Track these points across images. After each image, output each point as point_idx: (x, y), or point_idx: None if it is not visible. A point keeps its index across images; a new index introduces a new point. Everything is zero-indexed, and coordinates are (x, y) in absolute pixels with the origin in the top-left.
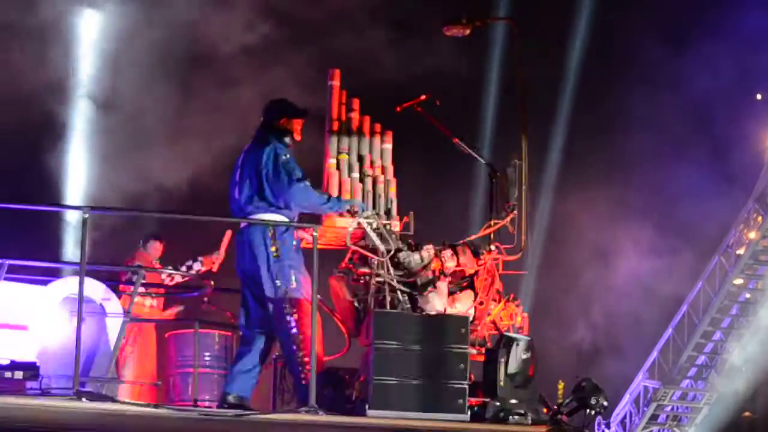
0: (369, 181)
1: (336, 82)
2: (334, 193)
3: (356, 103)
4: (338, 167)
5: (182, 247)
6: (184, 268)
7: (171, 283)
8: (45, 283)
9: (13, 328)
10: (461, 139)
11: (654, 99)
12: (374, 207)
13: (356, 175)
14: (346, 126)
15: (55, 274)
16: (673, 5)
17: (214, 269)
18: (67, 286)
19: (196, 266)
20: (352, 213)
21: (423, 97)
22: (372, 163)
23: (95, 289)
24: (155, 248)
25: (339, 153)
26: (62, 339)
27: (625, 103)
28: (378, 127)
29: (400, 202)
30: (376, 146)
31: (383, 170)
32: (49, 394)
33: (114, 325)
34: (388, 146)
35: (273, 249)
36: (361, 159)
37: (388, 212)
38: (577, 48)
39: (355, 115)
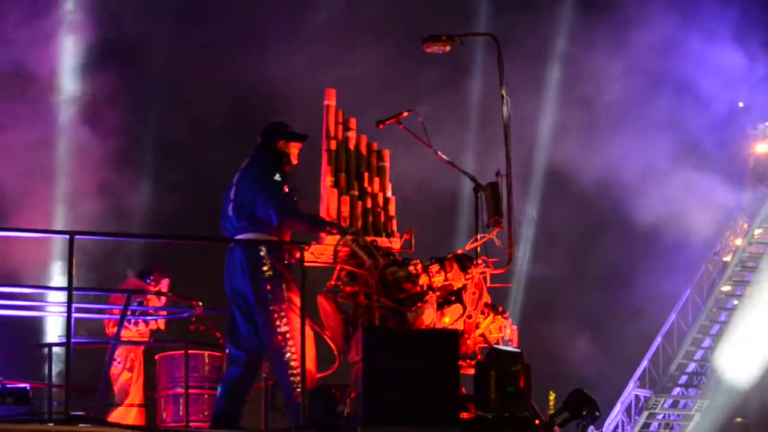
0: (368, 199)
1: (332, 102)
2: (332, 210)
3: (353, 123)
4: (336, 186)
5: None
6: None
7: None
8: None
9: None
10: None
11: None
12: (374, 225)
13: (355, 193)
14: (344, 145)
15: (43, 298)
16: None
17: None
18: None
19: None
20: (338, 231)
21: (405, 113)
22: (370, 181)
23: None
24: (165, 284)
25: (337, 172)
26: None
27: None
28: (375, 145)
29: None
30: (373, 165)
31: (381, 188)
32: (41, 419)
33: None
34: (386, 164)
35: (265, 267)
36: (359, 177)
37: (387, 230)
38: None
39: (352, 134)
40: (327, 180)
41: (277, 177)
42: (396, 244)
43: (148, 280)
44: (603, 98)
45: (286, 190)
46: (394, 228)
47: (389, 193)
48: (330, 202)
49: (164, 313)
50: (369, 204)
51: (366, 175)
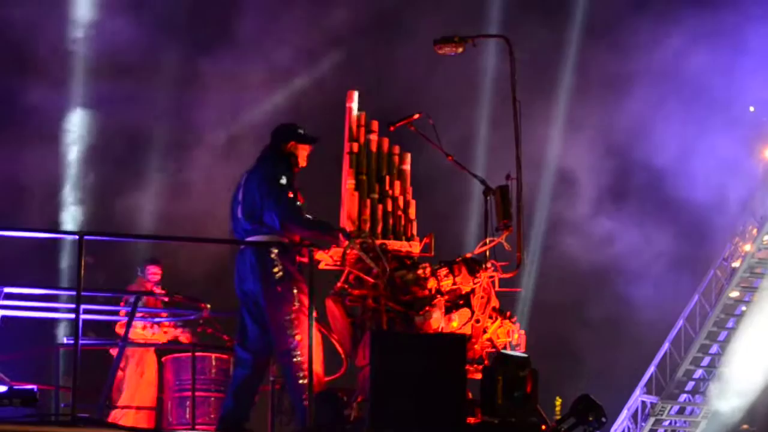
0: (389, 202)
1: (353, 104)
2: (353, 212)
3: (375, 125)
4: (357, 188)
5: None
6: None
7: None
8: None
9: None
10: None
11: None
12: (394, 228)
13: (375, 196)
14: (365, 148)
15: (53, 299)
16: None
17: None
18: None
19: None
20: (346, 235)
21: (416, 116)
22: (391, 184)
23: None
24: (153, 273)
25: (358, 174)
26: None
27: None
28: (396, 148)
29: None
30: (394, 168)
31: (402, 191)
32: (47, 421)
33: None
34: (407, 168)
35: (275, 269)
36: (380, 180)
37: (407, 233)
38: None
39: (374, 137)
40: (348, 183)
41: (283, 181)
42: (416, 247)
43: (140, 274)
44: None
45: (291, 195)
46: (414, 231)
47: (409, 197)
48: (350, 204)
49: (170, 316)
50: (390, 207)
51: (387, 178)
